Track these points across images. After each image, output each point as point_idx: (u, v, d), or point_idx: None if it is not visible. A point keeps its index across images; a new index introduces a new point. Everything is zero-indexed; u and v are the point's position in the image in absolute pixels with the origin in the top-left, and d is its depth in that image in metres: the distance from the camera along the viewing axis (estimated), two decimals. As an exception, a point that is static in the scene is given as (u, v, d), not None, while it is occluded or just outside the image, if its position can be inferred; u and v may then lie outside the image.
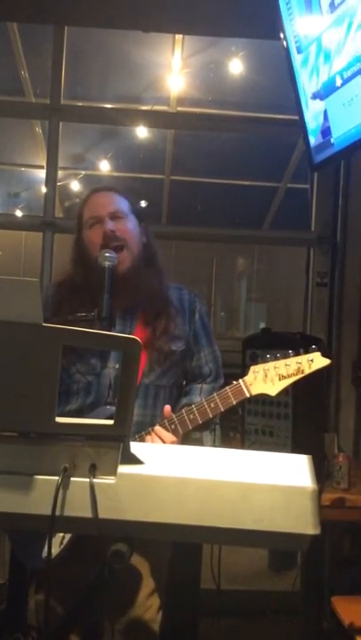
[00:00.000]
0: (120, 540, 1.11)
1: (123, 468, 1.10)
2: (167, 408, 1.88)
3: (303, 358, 1.78)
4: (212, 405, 1.84)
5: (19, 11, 3.45)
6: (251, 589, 3.45)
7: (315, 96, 2.67)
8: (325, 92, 2.57)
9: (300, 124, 2.82)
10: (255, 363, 1.84)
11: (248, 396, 1.83)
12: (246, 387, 1.83)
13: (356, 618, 2.25)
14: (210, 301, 7.78)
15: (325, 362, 1.78)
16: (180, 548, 2.01)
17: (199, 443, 2.96)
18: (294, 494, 1.06)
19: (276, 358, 1.81)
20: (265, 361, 1.82)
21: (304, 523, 1.05)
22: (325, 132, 2.63)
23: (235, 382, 1.85)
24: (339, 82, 2.45)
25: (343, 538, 3.29)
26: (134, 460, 1.12)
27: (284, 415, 2.58)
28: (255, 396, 1.84)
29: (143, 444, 1.78)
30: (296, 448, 2.50)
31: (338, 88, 2.46)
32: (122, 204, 1.98)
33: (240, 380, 1.84)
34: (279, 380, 1.80)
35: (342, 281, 3.57)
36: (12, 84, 4.37)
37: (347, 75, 2.40)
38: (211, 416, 1.85)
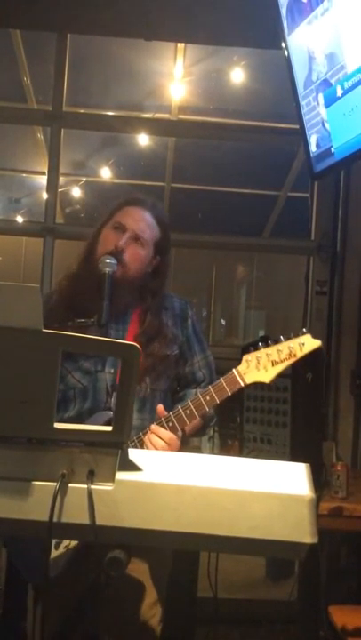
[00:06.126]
0: (117, 547, 1.11)
1: (121, 475, 1.09)
2: (160, 407, 1.87)
3: (295, 342, 1.76)
4: (208, 398, 1.81)
5: (22, 18, 3.47)
6: (248, 598, 3.43)
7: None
8: (326, 101, 2.58)
9: (301, 133, 2.83)
10: (248, 352, 1.82)
11: (243, 385, 1.80)
12: (240, 376, 1.80)
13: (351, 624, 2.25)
14: (209, 309, 7.78)
15: (316, 343, 1.75)
16: (178, 556, 2.01)
17: (197, 450, 2.96)
18: (292, 502, 1.06)
19: (268, 345, 1.78)
20: (257, 349, 1.79)
21: (301, 531, 1.05)
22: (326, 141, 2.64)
23: (228, 373, 1.82)
24: (340, 92, 2.46)
25: (340, 547, 3.28)
26: (132, 467, 1.12)
27: (282, 423, 2.58)
28: (250, 384, 1.80)
29: (141, 450, 1.77)
30: (294, 456, 2.49)
31: (339, 98, 2.48)
32: (149, 232, 1.97)
33: (233, 370, 1.81)
34: (272, 365, 1.77)
35: (342, 290, 3.57)
36: (14, 90, 4.38)
37: (348, 85, 2.41)
38: (207, 409, 1.82)
